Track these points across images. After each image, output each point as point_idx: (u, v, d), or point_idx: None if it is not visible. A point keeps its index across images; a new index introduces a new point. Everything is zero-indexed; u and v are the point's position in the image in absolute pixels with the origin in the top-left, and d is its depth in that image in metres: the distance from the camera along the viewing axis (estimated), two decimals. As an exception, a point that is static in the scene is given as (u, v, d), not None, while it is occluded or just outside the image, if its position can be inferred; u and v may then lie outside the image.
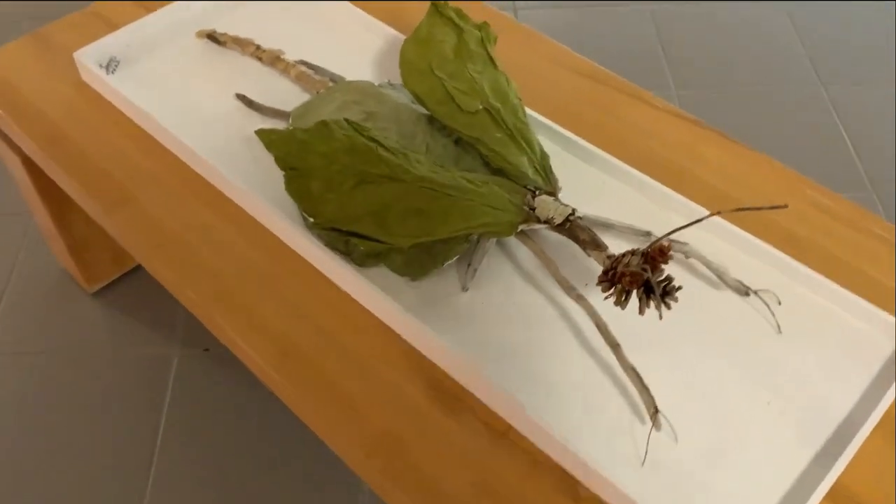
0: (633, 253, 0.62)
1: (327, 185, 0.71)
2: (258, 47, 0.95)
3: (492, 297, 0.75)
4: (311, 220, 0.73)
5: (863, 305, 0.72)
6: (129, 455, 1.12)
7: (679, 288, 0.61)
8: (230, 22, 1.01)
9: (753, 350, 0.71)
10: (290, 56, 0.96)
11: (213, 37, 0.97)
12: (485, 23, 0.85)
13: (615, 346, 0.64)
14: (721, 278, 0.70)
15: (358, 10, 1.00)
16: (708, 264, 0.70)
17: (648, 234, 0.71)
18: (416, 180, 0.70)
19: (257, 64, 0.96)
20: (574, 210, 0.69)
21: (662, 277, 0.61)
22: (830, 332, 0.72)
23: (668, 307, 0.61)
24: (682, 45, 1.72)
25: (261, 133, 0.75)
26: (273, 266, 0.77)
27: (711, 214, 0.55)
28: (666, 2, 1.81)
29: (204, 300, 0.75)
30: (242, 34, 0.98)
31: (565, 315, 0.73)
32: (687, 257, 0.71)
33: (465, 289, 0.75)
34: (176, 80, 0.94)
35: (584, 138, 0.85)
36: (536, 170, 0.74)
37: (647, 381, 0.67)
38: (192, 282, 0.76)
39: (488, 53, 0.82)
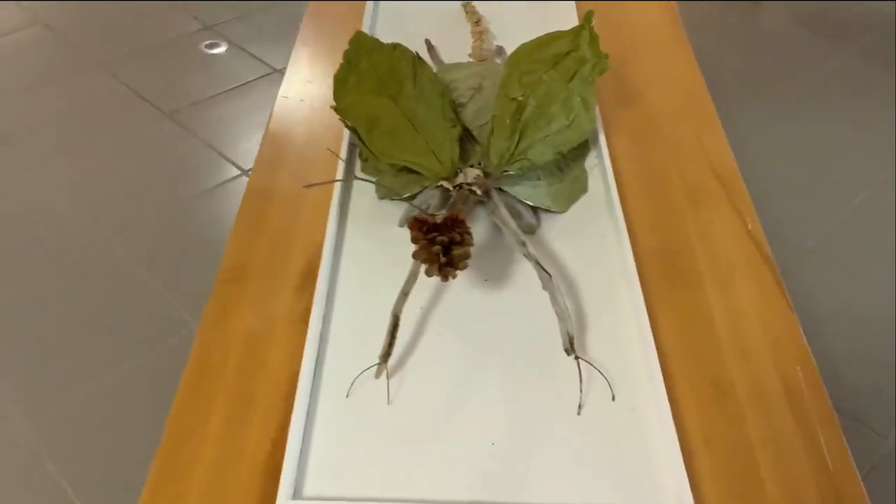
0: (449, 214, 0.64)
1: (357, 82, 0.84)
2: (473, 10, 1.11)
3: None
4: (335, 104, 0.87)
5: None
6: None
7: (457, 266, 0.62)
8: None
9: (538, 397, 0.66)
10: (492, 27, 1.10)
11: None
12: (606, 55, 0.87)
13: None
14: (556, 311, 0.65)
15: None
16: (543, 281, 0.66)
17: (524, 244, 0.69)
18: (405, 106, 0.79)
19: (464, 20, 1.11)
20: (470, 184, 0.72)
21: (453, 244, 0.62)
22: (618, 467, 0.62)
23: (445, 276, 0.62)
24: None
25: (358, 32, 0.90)
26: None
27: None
28: None
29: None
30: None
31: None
32: (528, 259, 0.67)
33: (399, 224, 0.81)
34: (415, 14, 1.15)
35: (631, 207, 0.83)
36: (500, 160, 0.77)
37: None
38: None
39: (575, 73, 0.85)
